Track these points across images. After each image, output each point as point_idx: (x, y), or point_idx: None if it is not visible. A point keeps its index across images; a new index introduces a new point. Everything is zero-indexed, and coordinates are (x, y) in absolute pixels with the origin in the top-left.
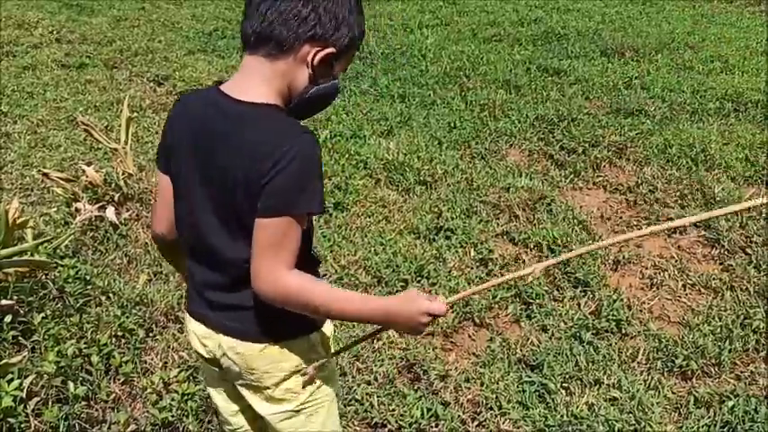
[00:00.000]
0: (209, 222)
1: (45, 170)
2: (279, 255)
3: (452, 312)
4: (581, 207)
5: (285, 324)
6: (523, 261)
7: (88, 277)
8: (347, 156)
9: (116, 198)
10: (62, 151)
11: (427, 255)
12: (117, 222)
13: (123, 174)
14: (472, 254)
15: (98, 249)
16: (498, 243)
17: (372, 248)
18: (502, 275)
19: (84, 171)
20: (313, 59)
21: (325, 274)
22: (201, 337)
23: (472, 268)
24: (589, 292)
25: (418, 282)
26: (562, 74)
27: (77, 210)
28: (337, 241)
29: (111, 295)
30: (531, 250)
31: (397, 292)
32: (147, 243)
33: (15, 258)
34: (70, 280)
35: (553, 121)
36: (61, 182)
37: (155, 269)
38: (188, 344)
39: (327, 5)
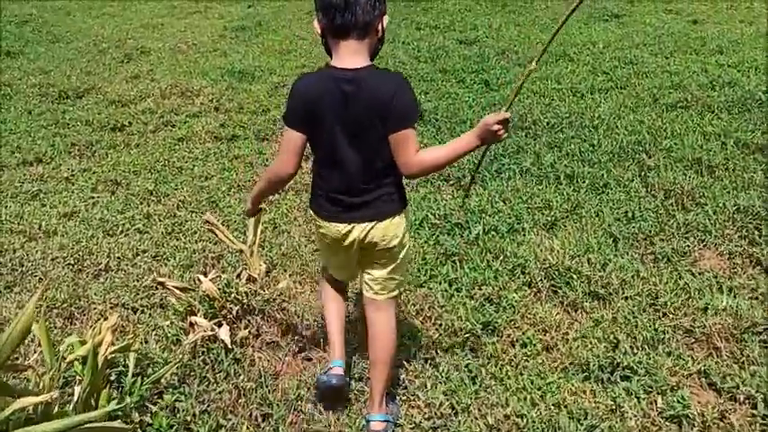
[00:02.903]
0: (356, 155)
1: (161, 278)
2: (414, 148)
3: None
4: None
5: (401, 202)
6: (730, 423)
7: (188, 418)
8: (502, 258)
9: (234, 312)
10: (195, 240)
11: (600, 408)
12: (229, 344)
13: (247, 281)
14: (659, 404)
15: (206, 378)
16: (695, 389)
17: (528, 397)
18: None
19: (200, 281)
20: (382, 26)
21: None
22: (346, 232)
23: (660, 428)
24: None
25: None
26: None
27: (192, 325)
28: (485, 383)
29: None
30: (741, 405)
31: None
32: (260, 371)
33: (86, 426)
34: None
35: (759, 213)
36: (177, 291)
37: (264, 410)
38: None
39: None
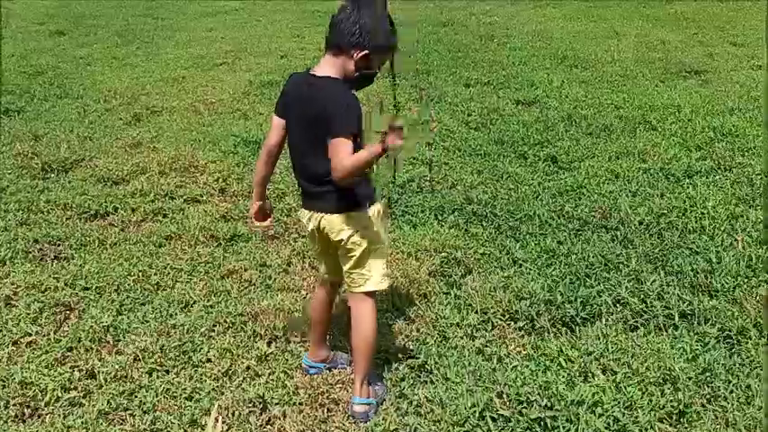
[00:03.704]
0: (307, 149)
1: None
2: (343, 154)
3: None
4: None
5: (345, 201)
6: None
7: None
8: None
9: None
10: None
11: None
12: None
13: None
14: None
15: None
16: None
17: None
18: None
19: None
20: (361, 62)
21: None
22: (308, 217)
23: None
24: None
25: None
26: None
27: None
28: None
29: None
30: None
31: None
32: None
33: None
34: None
35: None
36: None
37: None
38: None
39: (364, 23)
